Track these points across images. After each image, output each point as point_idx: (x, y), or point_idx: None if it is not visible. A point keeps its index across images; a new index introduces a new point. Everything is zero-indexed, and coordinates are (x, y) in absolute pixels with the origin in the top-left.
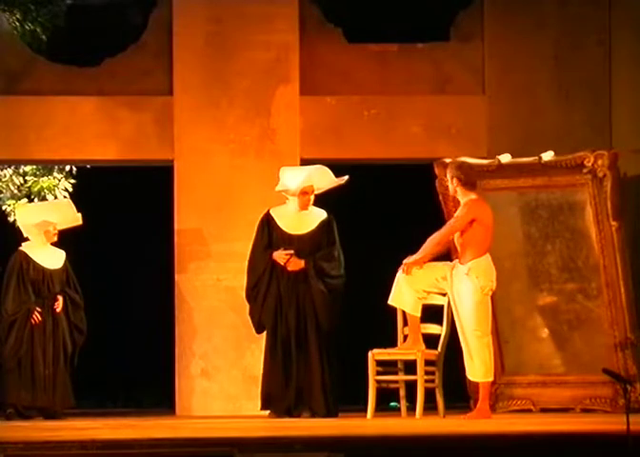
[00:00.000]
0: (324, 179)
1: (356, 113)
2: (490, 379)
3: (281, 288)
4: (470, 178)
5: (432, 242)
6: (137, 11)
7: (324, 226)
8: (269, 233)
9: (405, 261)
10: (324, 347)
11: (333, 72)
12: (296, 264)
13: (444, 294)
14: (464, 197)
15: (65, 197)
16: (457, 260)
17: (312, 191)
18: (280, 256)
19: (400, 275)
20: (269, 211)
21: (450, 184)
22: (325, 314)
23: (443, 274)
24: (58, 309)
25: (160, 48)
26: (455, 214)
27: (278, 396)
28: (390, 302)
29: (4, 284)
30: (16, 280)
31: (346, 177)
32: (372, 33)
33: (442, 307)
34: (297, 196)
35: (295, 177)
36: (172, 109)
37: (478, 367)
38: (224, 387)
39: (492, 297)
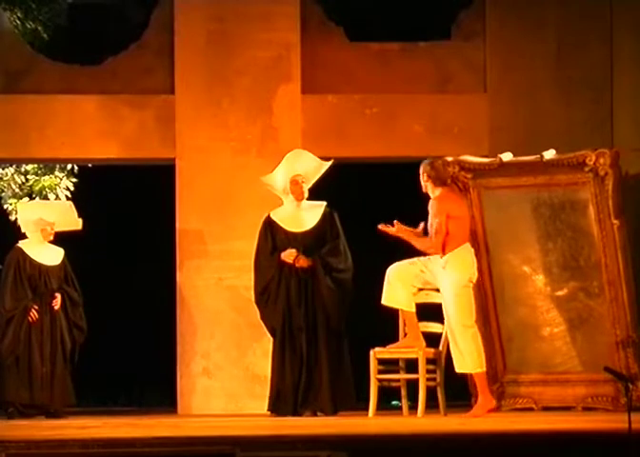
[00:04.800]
0: (307, 162)
1: (358, 112)
2: (482, 370)
3: (290, 288)
4: (440, 175)
5: (421, 246)
6: (139, 10)
7: (326, 218)
8: (272, 237)
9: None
10: (334, 344)
11: (335, 71)
12: (304, 261)
13: (437, 290)
14: (432, 194)
15: (67, 196)
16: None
17: (303, 179)
18: (288, 255)
19: (389, 273)
20: (269, 215)
21: (423, 180)
22: (334, 311)
23: (433, 270)
24: (56, 307)
25: (161, 46)
26: (431, 219)
27: (288, 396)
28: (384, 302)
29: (1, 280)
30: (13, 276)
31: (330, 161)
32: (374, 32)
33: (442, 305)
34: (289, 188)
35: (279, 172)
36: (174, 107)
37: (466, 358)
38: (226, 385)
39: (495, 295)
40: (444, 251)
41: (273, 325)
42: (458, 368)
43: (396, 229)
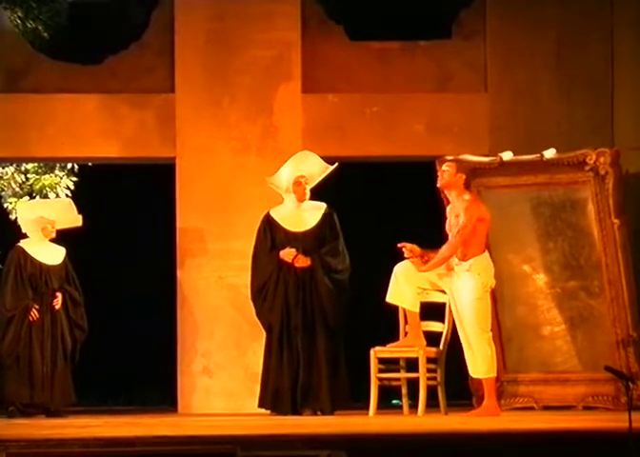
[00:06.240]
0: (312, 164)
1: (358, 111)
2: (493, 375)
3: (288, 287)
4: (468, 178)
5: (443, 258)
6: (139, 9)
7: (326, 219)
8: (271, 235)
9: (411, 260)
10: (331, 344)
11: (335, 70)
12: (304, 260)
13: (441, 291)
14: (458, 195)
15: (67, 195)
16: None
17: (306, 181)
18: (287, 254)
19: (397, 271)
20: (268, 213)
21: (452, 176)
22: (332, 310)
23: (440, 271)
24: (57, 307)
25: (162, 45)
26: (457, 220)
27: (285, 395)
28: (389, 299)
29: (2, 280)
30: (14, 276)
31: (335, 165)
32: (374, 31)
33: (443, 304)
34: (292, 188)
35: (284, 171)
36: (174, 106)
37: (480, 363)
38: (226, 384)
39: (495, 295)
40: (467, 254)
41: (270, 321)
42: (473, 373)
43: (407, 255)
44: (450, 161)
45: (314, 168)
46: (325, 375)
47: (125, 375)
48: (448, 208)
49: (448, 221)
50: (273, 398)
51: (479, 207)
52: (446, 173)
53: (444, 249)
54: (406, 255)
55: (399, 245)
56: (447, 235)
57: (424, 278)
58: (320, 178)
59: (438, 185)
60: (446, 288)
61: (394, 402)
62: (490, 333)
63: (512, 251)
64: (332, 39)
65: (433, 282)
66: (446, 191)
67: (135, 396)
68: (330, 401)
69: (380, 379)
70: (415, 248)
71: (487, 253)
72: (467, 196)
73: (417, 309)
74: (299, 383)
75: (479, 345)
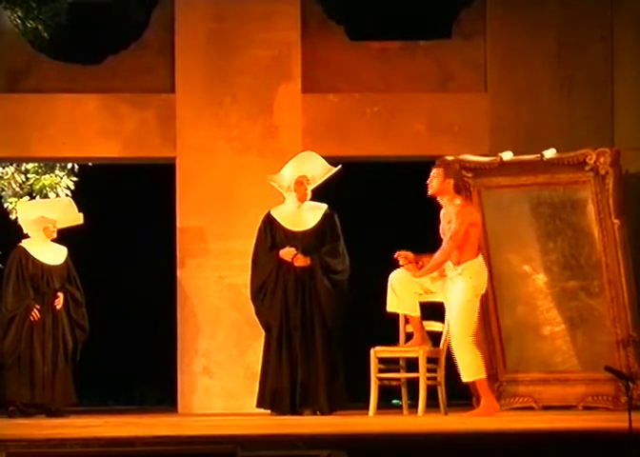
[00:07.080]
0: (315, 165)
1: (358, 111)
2: (482, 376)
3: (288, 286)
4: (460, 181)
5: (437, 263)
6: (139, 9)
7: (327, 219)
8: (271, 234)
9: (405, 268)
10: (329, 344)
11: (335, 70)
12: (303, 260)
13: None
14: (450, 201)
15: (67, 195)
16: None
17: (308, 181)
18: (286, 253)
19: (391, 280)
20: (269, 212)
21: (440, 183)
22: (330, 311)
23: (433, 276)
24: (58, 306)
25: (162, 45)
26: (449, 226)
27: (284, 395)
28: (389, 309)
29: (3, 280)
30: (15, 276)
31: (339, 166)
32: (374, 31)
33: (443, 304)
34: (293, 188)
35: (286, 171)
36: (175, 106)
37: (464, 368)
38: (226, 384)
39: (494, 294)
40: (461, 259)
41: (269, 321)
42: (462, 378)
43: (402, 263)
44: (437, 167)
45: (317, 169)
46: (322, 375)
47: (125, 375)
48: (441, 213)
49: (441, 226)
50: (272, 398)
51: (470, 211)
52: (434, 181)
53: (437, 255)
54: (401, 263)
55: (395, 255)
56: (442, 239)
57: (418, 284)
58: (322, 179)
59: (428, 193)
60: (439, 293)
61: (394, 402)
62: (473, 337)
63: (512, 251)
64: (332, 39)
65: (427, 287)
66: (437, 198)
67: (135, 396)
68: (327, 401)
69: (380, 379)
70: (409, 254)
71: (480, 258)
72: (457, 201)
73: (418, 313)
74: (297, 382)
75: (463, 349)
